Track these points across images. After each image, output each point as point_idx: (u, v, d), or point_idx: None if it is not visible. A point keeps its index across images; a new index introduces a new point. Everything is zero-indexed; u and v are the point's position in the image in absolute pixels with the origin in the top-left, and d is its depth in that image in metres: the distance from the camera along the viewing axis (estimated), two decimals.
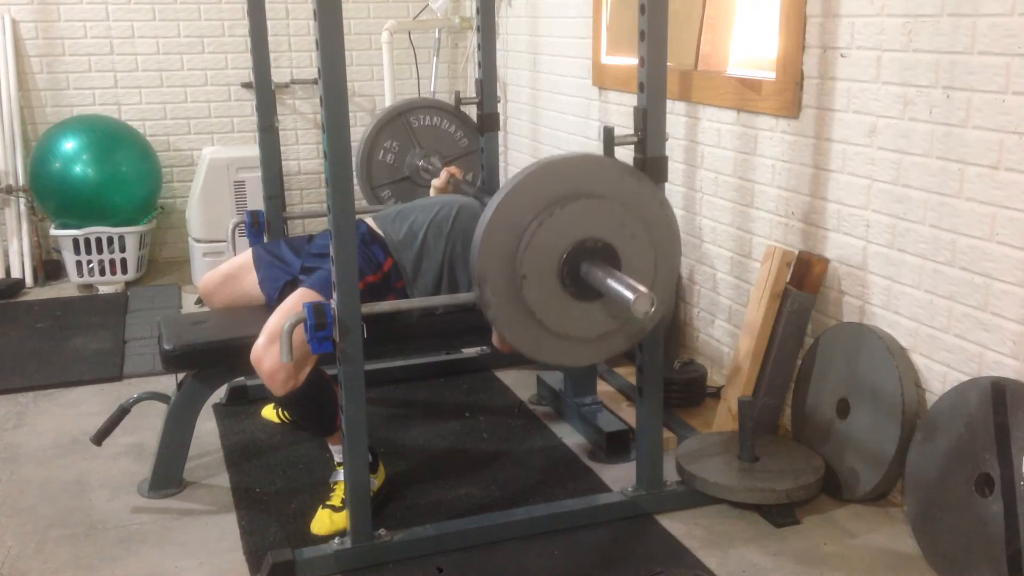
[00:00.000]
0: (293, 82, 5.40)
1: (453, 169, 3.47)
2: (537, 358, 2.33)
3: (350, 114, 2.22)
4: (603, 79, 4.05)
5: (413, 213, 2.87)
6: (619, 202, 2.19)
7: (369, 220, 2.90)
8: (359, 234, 2.76)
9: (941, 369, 2.52)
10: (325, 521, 2.56)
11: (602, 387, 3.37)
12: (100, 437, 2.87)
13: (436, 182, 3.45)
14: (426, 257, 2.80)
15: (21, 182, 4.92)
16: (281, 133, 4.63)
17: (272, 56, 3.76)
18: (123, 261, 4.82)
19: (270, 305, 2.81)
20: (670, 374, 3.19)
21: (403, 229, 2.82)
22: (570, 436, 3.15)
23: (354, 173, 3.63)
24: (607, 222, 2.17)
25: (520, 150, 5.03)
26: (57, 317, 4.42)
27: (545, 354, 2.29)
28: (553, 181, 2.15)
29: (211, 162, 4.86)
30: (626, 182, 2.23)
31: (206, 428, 3.18)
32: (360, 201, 5.48)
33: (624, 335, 2.28)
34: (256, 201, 4.24)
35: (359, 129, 5.43)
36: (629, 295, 2.00)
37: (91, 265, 4.79)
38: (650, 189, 2.26)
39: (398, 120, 3.70)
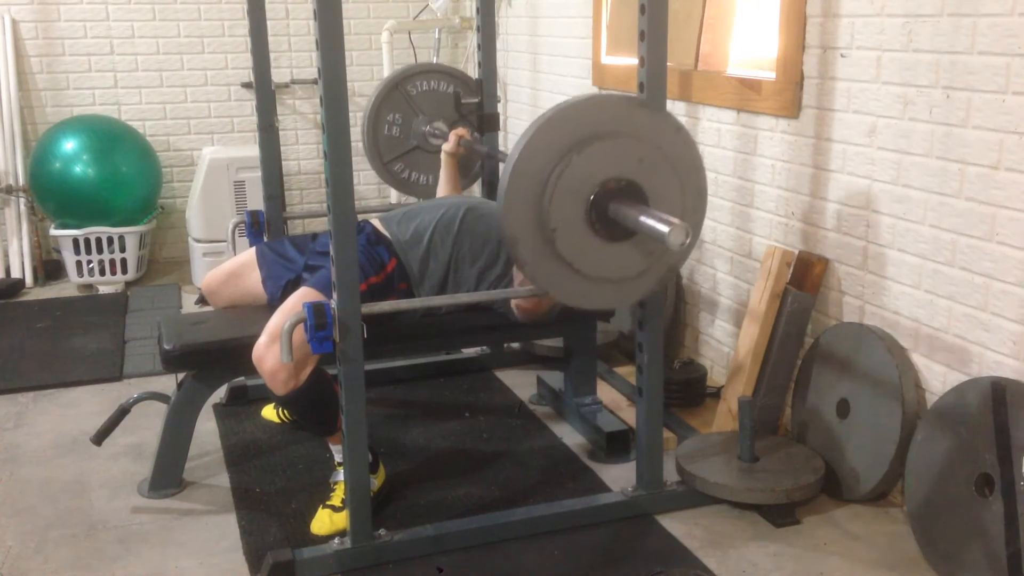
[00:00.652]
0: (293, 82, 5.40)
1: (461, 131, 3.42)
2: (580, 306, 2.31)
3: (350, 114, 2.22)
4: (603, 79, 4.05)
5: (420, 214, 2.88)
6: (634, 136, 2.15)
7: (375, 221, 2.90)
8: (364, 234, 2.77)
9: (941, 369, 2.52)
10: (325, 521, 2.56)
11: (602, 387, 3.37)
12: (100, 437, 2.87)
13: (446, 147, 3.39)
14: (432, 257, 2.80)
15: (21, 182, 4.92)
16: (281, 133, 4.63)
17: (272, 56, 3.75)
18: (123, 261, 4.82)
19: (272, 304, 2.82)
20: (670, 374, 3.19)
21: (409, 229, 2.83)
22: (570, 436, 3.15)
23: (364, 152, 3.58)
24: (626, 159, 2.13)
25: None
26: (57, 317, 4.42)
27: (587, 301, 2.25)
28: (563, 130, 2.11)
29: (211, 162, 4.86)
30: (637, 115, 2.18)
31: (206, 428, 3.18)
32: (362, 201, 5.49)
33: (660, 268, 2.25)
34: (256, 201, 4.24)
35: (359, 129, 5.46)
36: (663, 228, 1.97)
37: (91, 265, 4.79)
38: (663, 117, 2.21)
39: (395, 92, 3.62)
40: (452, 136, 3.39)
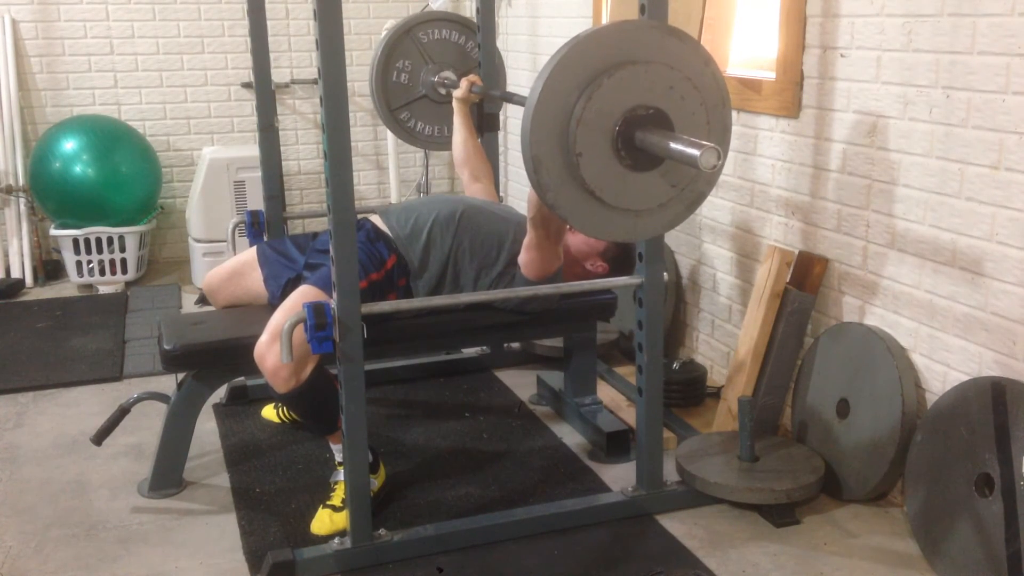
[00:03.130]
0: (293, 82, 5.41)
1: (473, 77, 3.39)
2: (600, 237, 2.28)
3: (350, 114, 2.22)
4: None
5: (419, 209, 2.88)
6: (665, 65, 2.10)
7: (374, 218, 2.90)
8: (363, 231, 2.77)
9: (941, 369, 2.52)
10: (325, 521, 2.56)
11: (602, 387, 3.37)
12: (100, 437, 2.87)
13: (457, 93, 3.37)
14: (432, 251, 2.80)
15: (21, 182, 4.92)
16: (281, 133, 4.63)
17: (272, 56, 3.75)
18: (123, 261, 4.82)
19: (273, 303, 2.82)
20: (670, 374, 3.19)
21: (409, 224, 2.83)
22: (570, 436, 3.15)
23: (371, 99, 3.58)
24: (655, 87, 2.09)
25: (520, 150, 5.02)
26: (57, 317, 4.42)
27: (606, 232, 2.21)
28: (595, 53, 2.06)
29: (211, 162, 4.86)
30: (669, 44, 2.13)
31: (206, 428, 3.18)
32: (362, 201, 5.49)
33: (683, 201, 2.22)
34: (256, 201, 4.24)
35: (359, 129, 5.47)
36: (695, 151, 1.93)
37: (91, 265, 4.79)
38: (694, 48, 2.17)
39: (405, 38, 3.57)
40: (464, 82, 3.36)
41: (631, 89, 2.05)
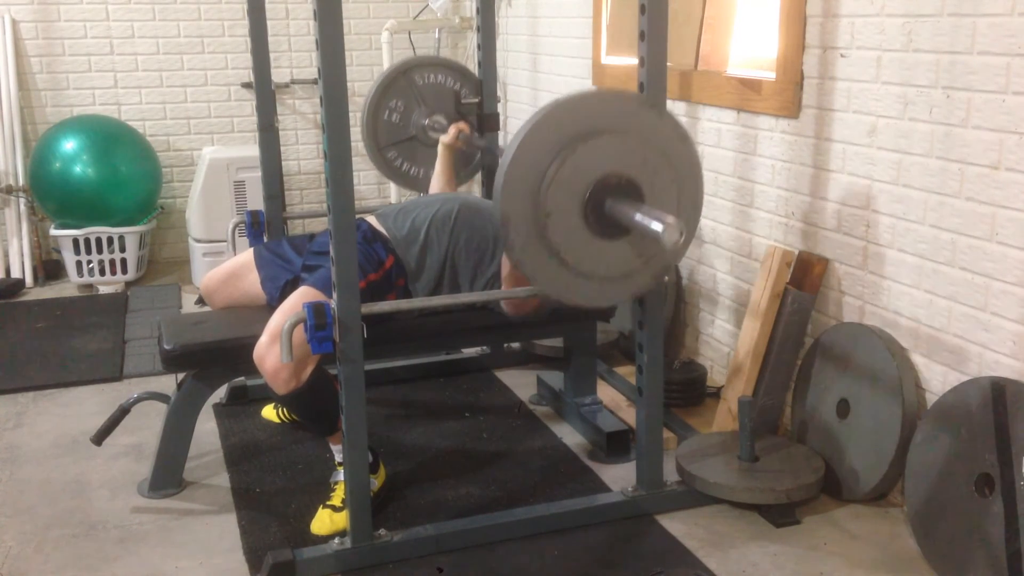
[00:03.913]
0: (293, 82, 5.40)
1: (462, 124, 3.42)
2: (562, 299, 2.30)
3: (350, 114, 2.22)
4: (603, 79, 4.05)
5: (415, 210, 2.88)
6: (641, 137, 2.14)
7: (370, 219, 2.90)
8: (360, 232, 2.77)
9: (941, 369, 2.52)
10: (325, 521, 2.56)
11: (602, 387, 3.37)
12: (100, 437, 2.87)
13: (444, 138, 3.40)
14: (429, 252, 2.80)
15: (21, 182, 4.92)
16: (281, 133, 4.63)
17: (272, 56, 3.75)
18: (123, 261, 4.82)
19: (271, 305, 2.82)
20: (670, 374, 3.19)
21: (406, 226, 2.83)
22: (570, 436, 3.15)
23: (360, 135, 3.57)
24: (629, 158, 2.12)
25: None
26: (57, 317, 4.42)
27: (568, 295, 2.23)
28: (573, 118, 2.10)
29: (211, 162, 4.86)
30: (647, 116, 2.17)
31: (206, 428, 3.18)
32: (362, 201, 5.49)
33: (649, 272, 2.24)
34: (256, 201, 4.24)
35: (359, 129, 5.47)
36: (657, 226, 1.96)
37: (91, 265, 4.79)
38: (672, 124, 2.20)
39: (401, 79, 3.60)
40: (452, 128, 3.39)
41: (605, 157, 2.09)
